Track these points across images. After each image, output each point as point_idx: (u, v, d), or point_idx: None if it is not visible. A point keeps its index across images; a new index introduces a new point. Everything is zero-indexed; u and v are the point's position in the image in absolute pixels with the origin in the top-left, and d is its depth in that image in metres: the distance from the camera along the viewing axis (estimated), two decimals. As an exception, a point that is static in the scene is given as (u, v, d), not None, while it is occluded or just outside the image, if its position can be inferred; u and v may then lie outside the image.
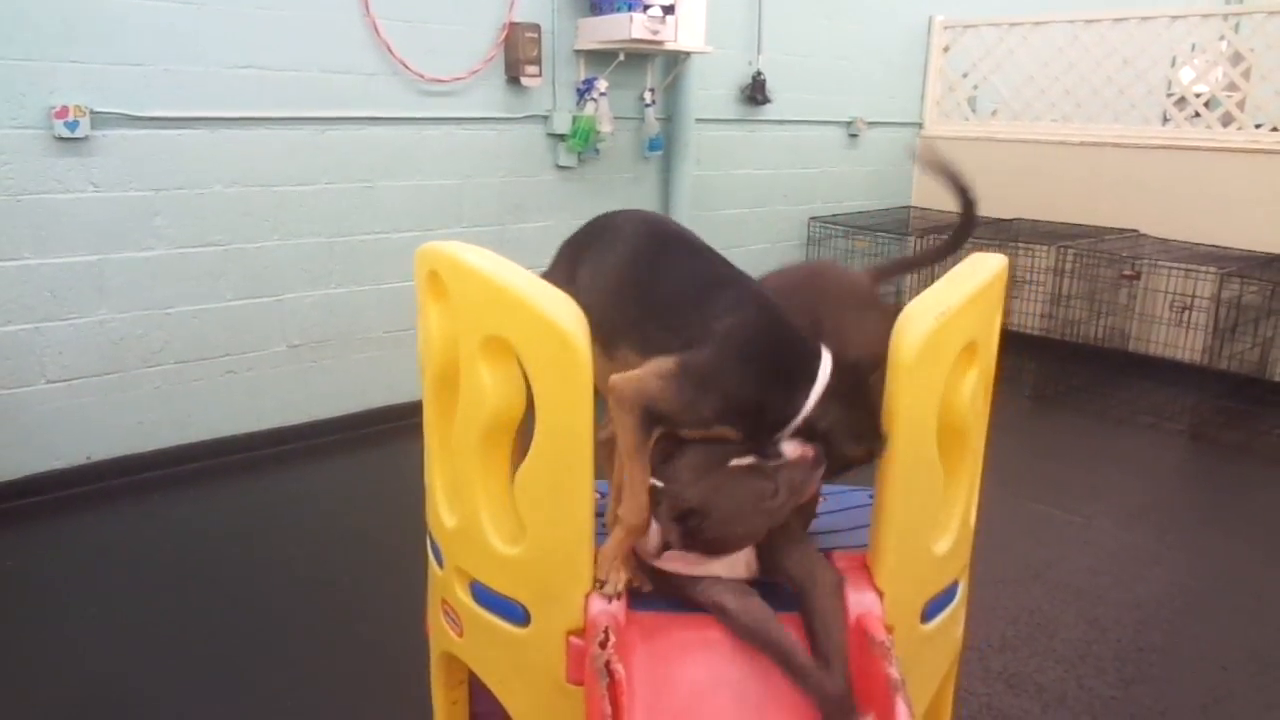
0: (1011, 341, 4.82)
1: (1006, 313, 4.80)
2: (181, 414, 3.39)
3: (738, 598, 1.33)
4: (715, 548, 1.31)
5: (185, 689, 2.22)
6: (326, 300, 3.65)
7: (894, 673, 1.21)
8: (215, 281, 3.39)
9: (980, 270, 1.44)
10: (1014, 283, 4.69)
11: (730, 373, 1.28)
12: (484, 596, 1.43)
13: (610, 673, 1.20)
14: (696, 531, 1.25)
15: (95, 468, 3.23)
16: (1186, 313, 4.31)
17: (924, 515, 1.39)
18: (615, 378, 1.31)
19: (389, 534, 2.96)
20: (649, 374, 1.30)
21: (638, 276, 1.38)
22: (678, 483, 1.27)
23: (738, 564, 1.35)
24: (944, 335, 1.33)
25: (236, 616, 2.52)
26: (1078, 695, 2.30)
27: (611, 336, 1.36)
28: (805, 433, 1.29)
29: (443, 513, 1.50)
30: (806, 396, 1.28)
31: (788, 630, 1.28)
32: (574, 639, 1.32)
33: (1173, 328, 4.44)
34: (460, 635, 1.50)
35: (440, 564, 1.54)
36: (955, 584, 1.53)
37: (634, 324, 1.36)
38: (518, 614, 1.38)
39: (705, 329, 1.30)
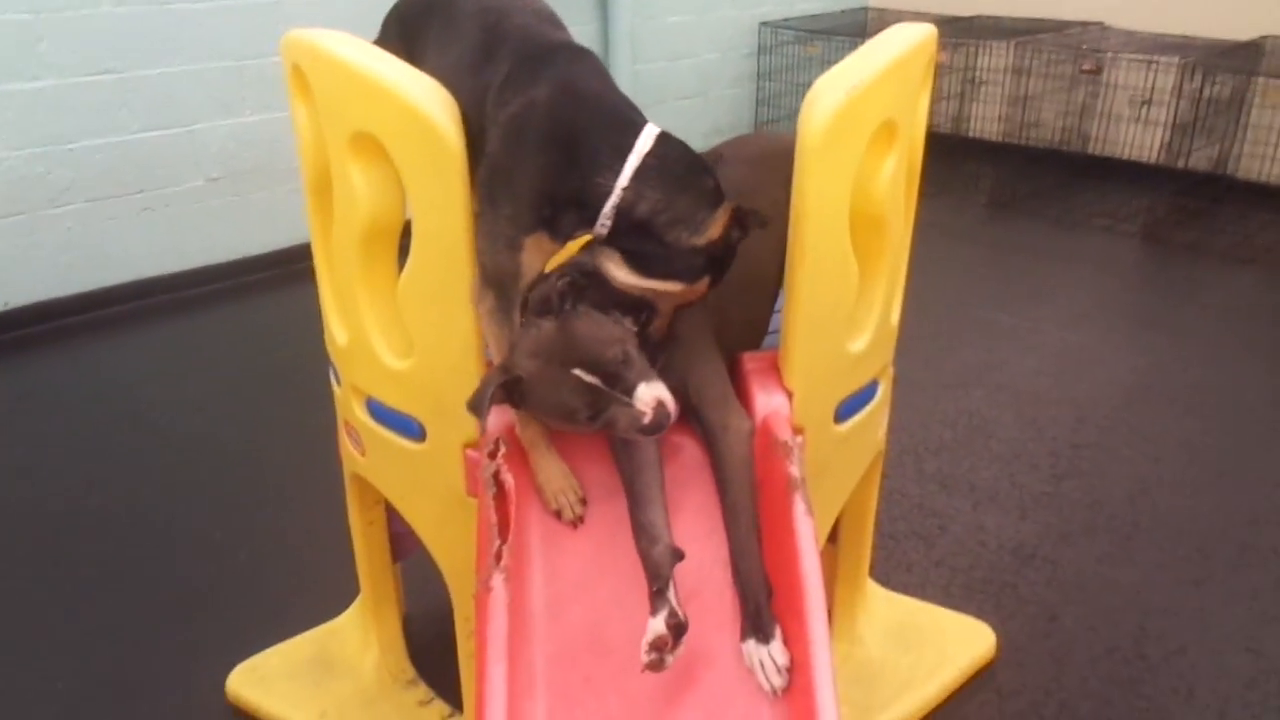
0: (969, 148, 4.71)
1: (964, 118, 4.66)
2: (99, 255, 3.23)
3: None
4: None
5: (113, 528, 2.20)
6: (241, 129, 3.42)
7: (794, 471, 1.17)
8: (117, 112, 3.15)
9: (899, 40, 1.31)
10: (972, 84, 4.50)
11: (517, 167, 1.09)
12: (381, 413, 1.37)
13: (499, 483, 1.16)
14: (512, 394, 1.14)
15: (13, 314, 3.10)
16: (1146, 108, 4.16)
17: (836, 312, 1.32)
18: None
19: (322, 368, 2.89)
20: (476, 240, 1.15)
21: (479, 77, 1.16)
22: (519, 349, 1.14)
23: None
24: (855, 112, 1.21)
25: (167, 458, 2.48)
26: (1009, 492, 2.33)
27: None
28: (625, 221, 1.10)
29: (334, 329, 1.42)
30: (616, 176, 1.08)
31: (655, 483, 1.22)
32: (470, 451, 1.27)
33: (1133, 125, 4.31)
34: (363, 454, 1.46)
35: (338, 383, 1.48)
36: (874, 384, 1.48)
37: (476, 144, 1.15)
38: (413, 429, 1.32)
39: (494, 122, 1.11)
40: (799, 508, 1.16)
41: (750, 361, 1.35)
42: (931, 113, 1.50)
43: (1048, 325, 3.23)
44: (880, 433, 1.61)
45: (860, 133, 1.23)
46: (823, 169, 1.20)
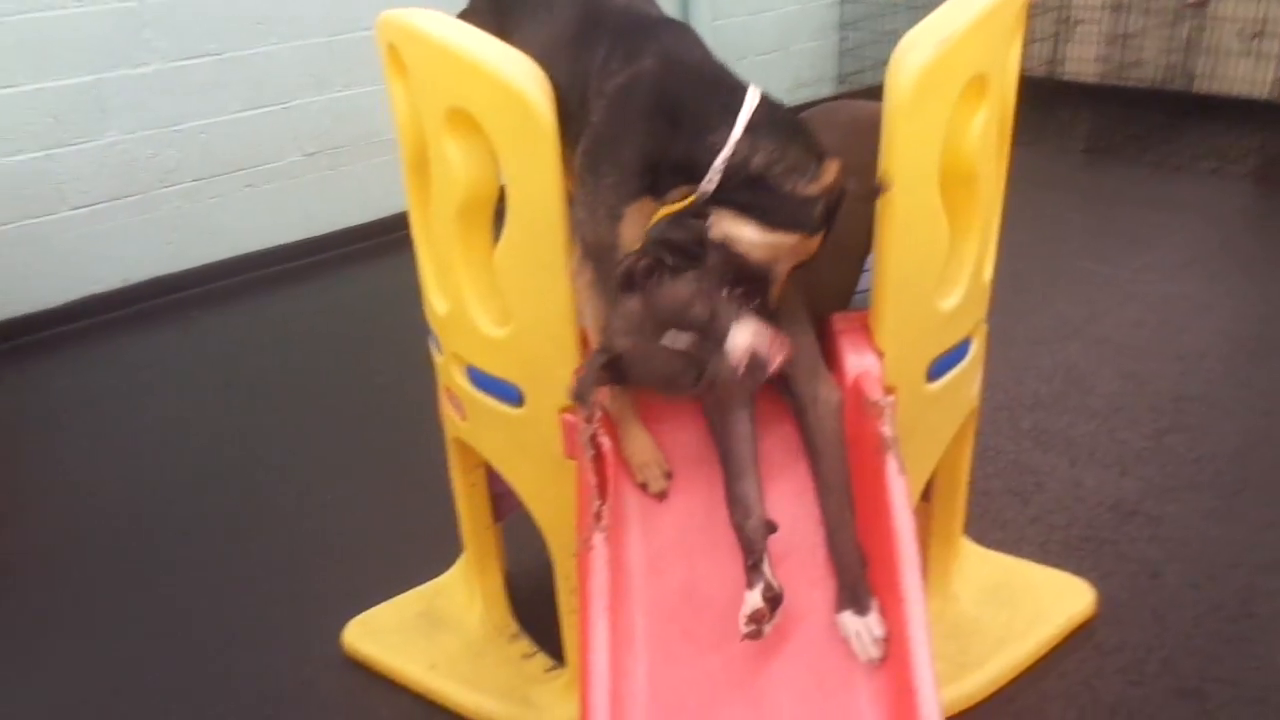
0: (1064, 92, 4.53)
1: (1059, 60, 4.48)
2: (207, 231, 3.39)
3: (721, 409, 1.28)
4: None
5: (231, 490, 2.33)
6: (334, 104, 3.52)
7: (886, 431, 1.18)
8: (217, 93, 3.28)
9: (990, -9, 1.28)
10: (1067, 24, 4.31)
11: (623, 135, 1.13)
12: (480, 379, 1.42)
13: (596, 445, 1.20)
14: (615, 373, 1.18)
15: (132, 290, 3.28)
16: (1257, 40, 3.92)
17: (927, 270, 1.31)
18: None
19: (421, 334, 2.99)
20: (573, 213, 1.18)
21: (579, 54, 1.20)
22: (612, 328, 1.17)
23: None
24: (945, 67, 1.20)
25: (278, 422, 2.61)
26: (1108, 448, 2.28)
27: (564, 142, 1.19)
28: (737, 175, 1.13)
29: (434, 299, 1.48)
30: (729, 133, 1.12)
31: (749, 455, 1.24)
32: (568, 416, 1.31)
33: (1243, 60, 4.07)
34: (464, 419, 1.52)
35: (439, 351, 1.54)
36: (966, 341, 1.47)
37: (574, 118, 1.19)
38: (513, 394, 1.37)
39: (599, 95, 1.15)
40: (892, 467, 1.17)
41: (841, 322, 1.36)
42: (1024, 56, 1.47)
43: (1149, 275, 3.11)
44: (973, 390, 1.60)
45: (950, 88, 1.22)
46: (912, 126, 1.19)
